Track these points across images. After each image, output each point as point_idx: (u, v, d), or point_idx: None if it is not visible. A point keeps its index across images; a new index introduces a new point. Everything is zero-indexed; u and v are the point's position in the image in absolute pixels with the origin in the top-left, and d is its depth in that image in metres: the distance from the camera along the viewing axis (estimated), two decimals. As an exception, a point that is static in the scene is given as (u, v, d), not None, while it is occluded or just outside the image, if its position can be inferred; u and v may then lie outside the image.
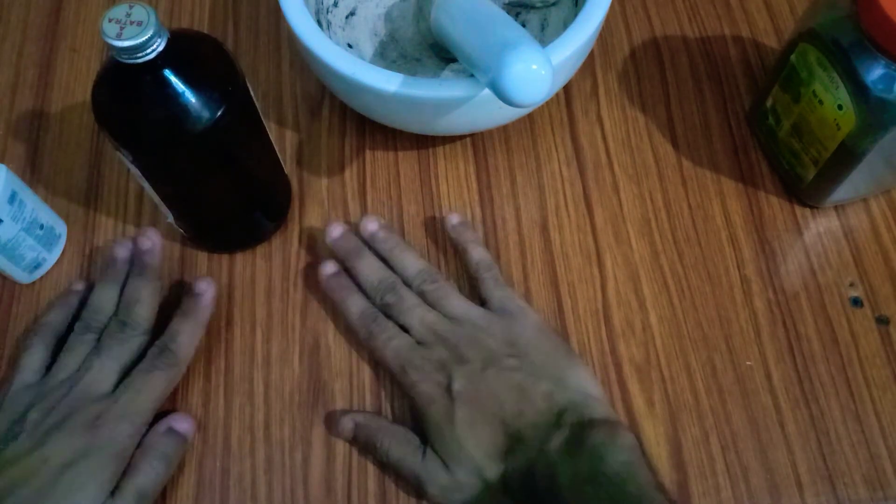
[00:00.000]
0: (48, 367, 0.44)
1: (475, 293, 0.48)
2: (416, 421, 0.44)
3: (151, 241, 0.47)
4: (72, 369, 0.43)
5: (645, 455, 0.40)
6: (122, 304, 0.46)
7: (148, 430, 0.43)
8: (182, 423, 0.44)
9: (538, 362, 0.43)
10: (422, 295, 0.46)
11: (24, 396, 0.42)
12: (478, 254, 0.48)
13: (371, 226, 0.48)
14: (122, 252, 0.47)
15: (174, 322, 0.45)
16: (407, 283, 0.47)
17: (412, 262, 0.47)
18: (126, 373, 0.43)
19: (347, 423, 0.44)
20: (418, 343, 0.45)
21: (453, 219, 0.50)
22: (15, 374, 0.44)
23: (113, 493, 0.40)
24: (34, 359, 0.44)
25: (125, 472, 0.41)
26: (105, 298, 0.46)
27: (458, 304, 0.46)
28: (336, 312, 0.49)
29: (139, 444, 0.42)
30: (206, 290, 0.46)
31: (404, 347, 0.44)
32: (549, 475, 0.39)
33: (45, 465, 0.39)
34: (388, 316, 0.46)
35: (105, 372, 0.43)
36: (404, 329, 0.45)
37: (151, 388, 0.43)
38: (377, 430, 0.44)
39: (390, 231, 0.49)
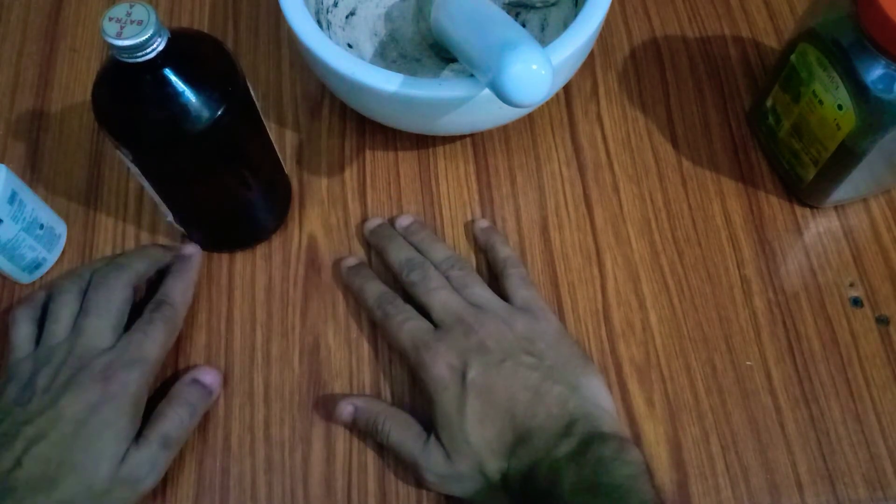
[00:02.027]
0: (38, 340, 0.44)
1: (498, 291, 0.47)
2: (418, 412, 0.44)
3: (194, 249, 0.49)
4: (63, 333, 0.43)
5: (650, 473, 0.39)
6: (116, 259, 0.47)
7: (171, 381, 0.44)
8: (207, 376, 0.45)
9: (555, 365, 0.43)
10: (448, 279, 0.46)
11: (25, 366, 0.42)
12: (504, 252, 0.49)
13: (405, 220, 0.51)
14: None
15: (165, 282, 0.46)
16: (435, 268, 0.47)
17: (441, 250, 0.48)
18: (119, 329, 0.44)
19: (346, 408, 0.44)
20: (436, 326, 0.45)
21: (482, 223, 0.51)
22: (10, 352, 0.44)
23: (138, 439, 0.41)
24: (22, 333, 0.44)
25: (150, 420, 0.42)
26: (99, 263, 0.47)
27: (482, 292, 0.46)
28: (336, 312, 0.49)
29: (166, 395, 0.43)
30: (194, 252, 0.48)
31: (420, 329, 0.44)
32: (552, 479, 0.39)
33: (60, 421, 0.40)
34: (411, 295, 0.46)
35: (100, 329, 0.43)
36: (423, 312, 0.45)
37: (154, 335, 0.43)
38: (378, 412, 0.44)
39: (423, 225, 0.51)
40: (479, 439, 0.41)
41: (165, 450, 0.42)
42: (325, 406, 0.46)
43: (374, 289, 0.47)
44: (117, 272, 0.45)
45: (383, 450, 0.45)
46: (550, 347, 0.44)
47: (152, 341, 0.43)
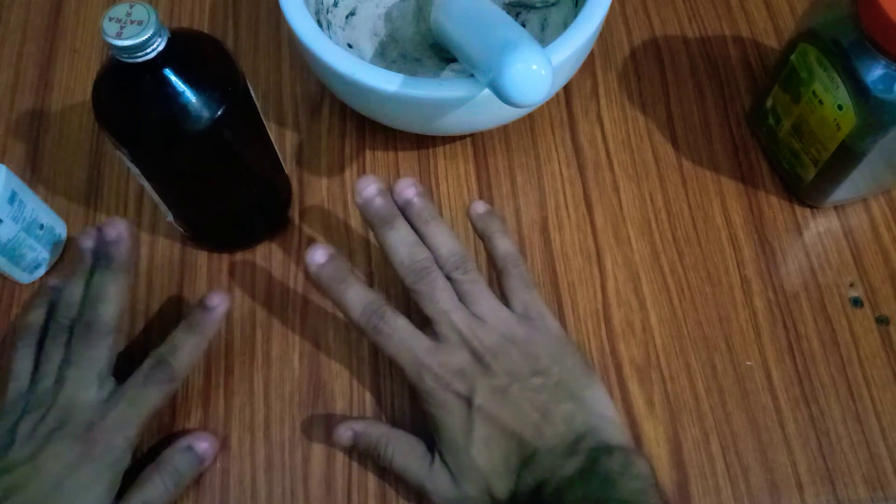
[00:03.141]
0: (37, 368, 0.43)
1: (495, 285, 0.46)
2: (418, 423, 0.44)
3: (117, 230, 0.44)
4: (52, 377, 0.42)
5: (658, 485, 0.39)
6: (87, 302, 0.43)
7: (165, 443, 0.43)
8: (202, 444, 0.43)
9: (561, 380, 0.41)
10: (452, 281, 0.43)
11: (18, 404, 0.41)
12: (504, 246, 0.45)
13: (409, 191, 0.44)
14: (87, 242, 0.45)
15: (177, 333, 0.43)
16: (437, 263, 0.43)
17: (447, 242, 0.44)
18: (107, 373, 0.42)
19: (345, 433, 0.43)
20: (436, 340, 0.42)
21: (479, 207, 0.46)
22: (9, 382, 0.43)
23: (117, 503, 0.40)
24: (22, 364, 0.43)
25: (134, 483, 0.41)
26: (73, 294, 0.44)
27: (488, 304, 0.43)
28: (336, 312, 0.49)
29: (155, 458, 0.42)
30: (219, 304, 0.44)
31: (421, 349, 0.41)
32: (559, 496, 0.38)
33: (38, 476, 0.38)
34: (414, 300, 0.43)
35: (83, 381, 0.41)
36: (416, 310, 0.43)
37: (145, 401, 0.41)
38: (379, 437, 0.42)
39: (429, 201, 0.45)
40: (487, 463, 0.40)
41: None
42: (326, 407, 0.46)
43: (356, 299, 0.42)
44: (97, 325, 0.42)
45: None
46: (555, 361, 0.42)
47: (141, 407, 0.41)
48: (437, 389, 0.41)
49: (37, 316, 0.45)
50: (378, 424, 0.44)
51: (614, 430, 0.41)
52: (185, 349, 0.43)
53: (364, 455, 0.44)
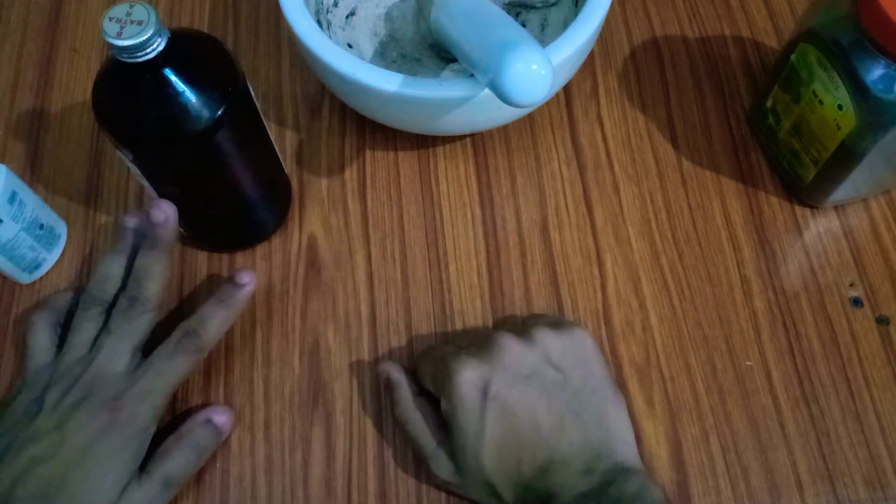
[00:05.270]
0: (59, 346, 0.44)
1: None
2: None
3: (165, 213, 0.44)
4: (83, 349, 0.43)
5: None
6: (132, 278, 0.44)
7: (184, 417, 0.44)
8: (220, 416, 0.44)
9: (583, 387, 0.41)
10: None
11: (42, 376, 0.42)
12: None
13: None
14: (132, 222, 0.46)
15: (208, 306, 0.44)
16: None
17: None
18: (139, 349, 0.43)
19: (384, 373, 0.45)
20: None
21: None
22: (28, 358, 0.43)
23: (141, 475, 0.40)
24: (41, 338, 0.44)
25: (156, 457, 0.42)
26: (112, 270, 0.45)
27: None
28: (336, 312, 0.49)
29: (175, 431, 0.43)
30: (249, 282, 0.45)
31: (443, 350, 0.43)
32: None
33: (64, 444, 0.39)
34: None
35: (118, 351, 0.42)
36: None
37: (172, 371, 0.42)
38: (404, 397, 0.43)
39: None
40: (496, 468, 0.39)
41: (166, 490, 0.41)
42: (325, 406, 0.46)
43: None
44: (142, 300, 0.43)
45: (383, 450, 0.45)
46: (581, 366, 0.41)
47: (169, 376, 0.42)
48: (451, 374, 0.40)
49: (63, 298, 0.46)
50: (407, 387, 0.44)
51: (629, 452, 0.41)
52: (214, 321, 0.44)
53: (385, 393, 0.46)
